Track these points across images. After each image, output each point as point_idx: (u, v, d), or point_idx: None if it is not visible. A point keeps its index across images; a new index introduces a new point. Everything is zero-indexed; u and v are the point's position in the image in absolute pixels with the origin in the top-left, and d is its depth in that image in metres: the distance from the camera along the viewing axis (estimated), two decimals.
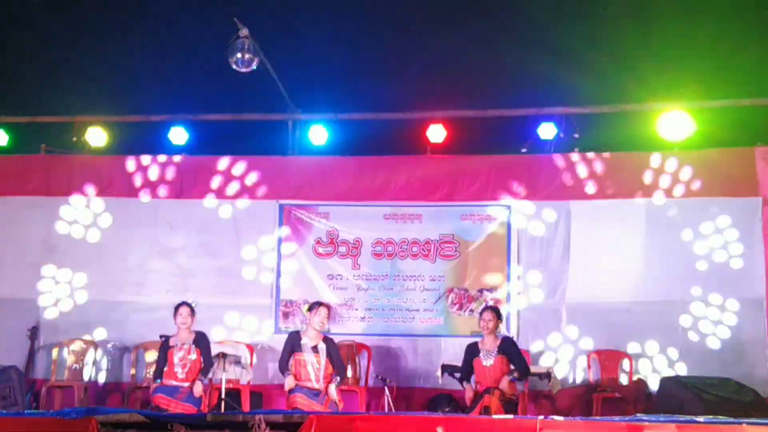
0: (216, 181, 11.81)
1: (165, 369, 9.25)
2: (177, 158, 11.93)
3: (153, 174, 11.89)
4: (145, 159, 11.95)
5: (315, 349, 9.12)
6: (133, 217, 11.80)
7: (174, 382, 9.16)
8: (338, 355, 9.30)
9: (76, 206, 11.81)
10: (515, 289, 11.30)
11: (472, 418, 8.38)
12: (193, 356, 9.30)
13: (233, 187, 11.79)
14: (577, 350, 11.06)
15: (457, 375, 9.78)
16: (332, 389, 9.02)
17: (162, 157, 11.95)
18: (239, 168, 11.82)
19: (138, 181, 11.87)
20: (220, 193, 11.78)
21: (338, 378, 9.15)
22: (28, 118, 12.35)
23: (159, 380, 9.22)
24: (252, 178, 11.81)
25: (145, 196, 11.84)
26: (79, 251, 11.73)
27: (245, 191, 11.78)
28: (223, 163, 11.86)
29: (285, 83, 11.95)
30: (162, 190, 11.84)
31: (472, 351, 9.39)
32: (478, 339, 9.52)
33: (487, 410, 8.77)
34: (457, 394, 10.52)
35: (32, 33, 11.65)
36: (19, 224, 11.79)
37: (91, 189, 11.85)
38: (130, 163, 11.94)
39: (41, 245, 11.76)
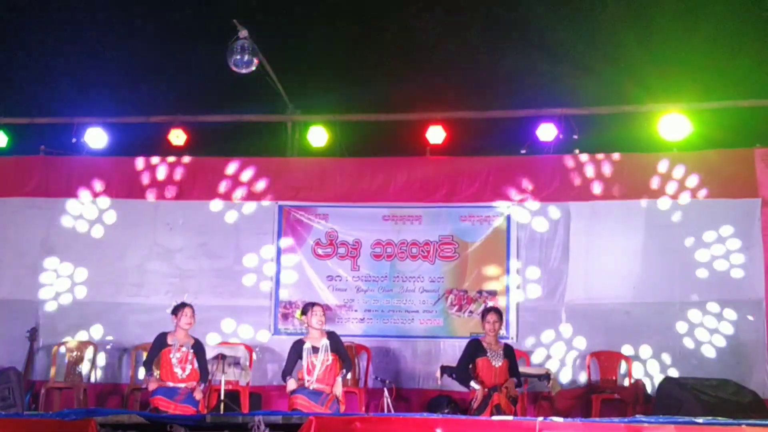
0: (215, 183, 11.80)
1: (158, 371, 9.21)
2: (176, 159, 11.91)
3: (152, 175, 11.88)
4: (145, 160, 11.93)
5: (317, 349, 9.11)
6: (132, 218, 11.79)
7: (171, 384, 9.14)
8: (343, 348, 9.28)
9: (76, 207, 11.80)
10: (514, 290, 11.29)
11: (472, 420, 8.38)
12: (190, 357, 9.28)
13: (232, 189, 11.78)
14: (577, 351, 11.06)
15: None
16: (338, 384, 9.02)
17: (161, 159, 11.94)
18: (238, 169, 11.81)
19: (137, 182, 11.86)
20: (219, 195, 11.77)
21: (344, 371, 9.15)
22: (27, 120, 12.35)
23: (150, 372, 9.18)
24: (251, 180, 11.80)
25: (144, 198, 11.82)
26: (78, 252, 11.72)
27: (244, 192, 11.76)
28: (221, 164, 11.85)
29: (284, 84, 11.98)
30: (161, 192, 11.83)
31: (475, 349, 9.32)
32: (479, 337, 9.49)
33: (498, 408, 8.77)
34: (456, 395, 10.53)
35: (31, 35, 11.65)
36: (18, 225, 11.78)
37: (90, 190, 11.84)
38: (130, 165, 11.93)
39: (40, 246, 11.74)
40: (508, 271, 11.36)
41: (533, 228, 11.40)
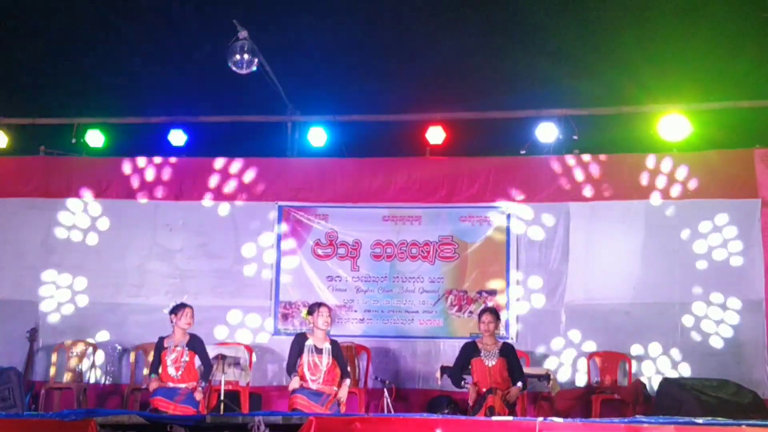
0: (215, 183, 11.82)
1: (159, 371, 9.23)
2: (176, 160, 11.93)
3: (152, 176, 11.89)
4: (144, 161, 11.95)
5: (320, 350, 9.09)
6: (131, 218, 11.80)
7: (171, 384, 9.15)
8: (342, 358, 9.27)
9: (75, 208, 11.81)
10: (514, 290, 11.30)
11: (472, 420, 8.37)
12: (186, 358, 9.27)
13: (232, 189, 11.79)
14: (577, 352, 11.07)
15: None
16: (344, 390, 9.00)
17: (160, 159, 11.96)
18: (238, 170, 11.83)
19: (137, 182, 11.87)
20: (219, 195, 11.78)
21: (348, 380, 9.13)
22: (27, 120, 12.35)
23: (154, 375, 9.19)
24: (251, 180, 11.81)
25: (143, 198, 11.84)
26: (78, 253, 11.73)
27: (244, 193, 11.78)
28: (221, 164, 11.87)
29: (284, 85, 11.97)
30: (161, 192, 11.84)
31: (471, 350, 9.32)
32: (475, 339, 9.49)
33: (491, 410, 8.77)
34: (456, 395, 10.53)
35: (31, 35, 11.65)
36: (18, 226, 11.79)
37: (89, 191, 11.85)
38: (129, 165, 11.94)
39: (40, 247, 11.76)
40: (507, 272, 11.36)
41: (533, 229, 11.41)
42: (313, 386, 8.93)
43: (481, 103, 11.86)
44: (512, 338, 11.04)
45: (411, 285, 11.50)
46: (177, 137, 11.97)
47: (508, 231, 11.45)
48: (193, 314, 9.39)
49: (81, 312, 11.60)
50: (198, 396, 9.07)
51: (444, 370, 10.10)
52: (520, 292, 11.30)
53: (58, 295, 11.63)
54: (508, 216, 11.46)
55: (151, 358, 10.83)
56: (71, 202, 11.83)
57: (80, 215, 11.81)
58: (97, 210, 11.82)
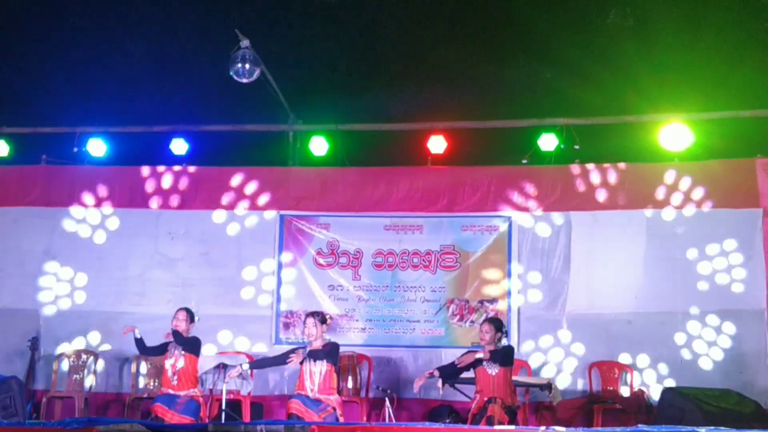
0: (216, 192, 11.83)
1: (161, 377, 9.28)
2: (178, 169, 11.95)
3: (153, 185, 11.90)
4: (146, 170, 11.96)
5: (315, 358, 9.10)
6: (133, 227, 11.81)
7: (171, 391, 9.17)
8: (330, 353, 9.23)
9: (77, 217, 11.81)
10: (516, 299, 11.30)
11: (473, 429, 8.38)
12: (181, 363, 9.30)
13: (234, 198, 11.80)
14: (578, 361, 11.05)
15: (458, 386, 9.75)
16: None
17: (163, 168, 11.97)
18: (240, 179, 11.83)
19: (138, 191, 11.88)
20: (220, 204, 11.79)
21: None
22: (29, 129, 12.38)
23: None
24: (252, 189, 11.82)
25: (145, 207, 11.84)
26: (79, 261, 11.73)
27: (246, 202, 11.79)
28: (223, 174, 11.88)
29: (286, 94, 11.98)
30: (162, 201, 11.85)
31: (476, 359, 9.32)
32: (480, 349, 9.47)
33: (491, 420, 8.75)
34: (457, 405, 10.52)
35: (33, 44, 11.66)
36: (19, 234, 11.80)
37: (91, 200, 11.86)
38: (131, 174, 11.96)
39: (42, 256, 11.76)
40: (509, 282, 11.37)
41: (534, 238, 11.41)
42: (311, 394, 8.96)
43: (483, 112, 11.87)
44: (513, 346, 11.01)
45: (412, 294, 11.49)
46: (179, 146, 11.99)
47: (509, 240, 11.44)
48: (186, 317, 9.43)
49: (82, 320, 11.60)
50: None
51: (445, 374, 10.05)
52: (521, 301, 11.29)
53: (60, 304, 11.64)
54: (510, 225, 11.46)
55: (152, 366, 10.90)
56: (73, 211, 11.84)
57: (81, 224, 11.82)
58: (99, 219, 11.83)
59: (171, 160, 12.04)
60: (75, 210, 11.84)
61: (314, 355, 9.07)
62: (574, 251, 11.28)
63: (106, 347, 11.50)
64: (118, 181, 11.94)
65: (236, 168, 11.91)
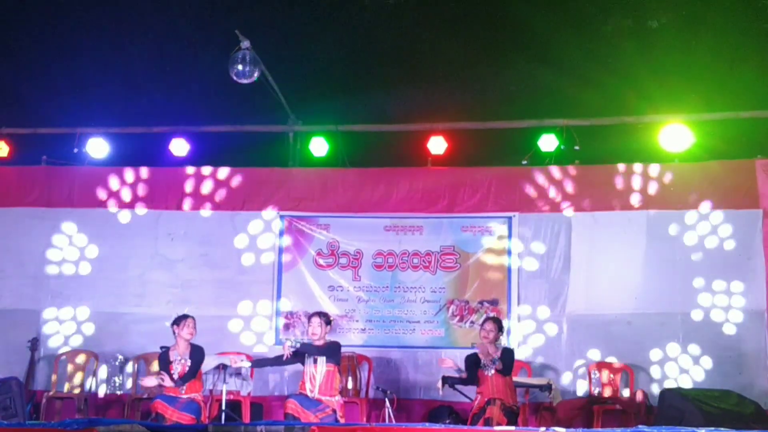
0: (216, 193, 11.81)
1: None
2: (178, 170, 11.92)
3: (153, 185, 11.88)
4: (146, 171, 11.95)
5: (315, 360, 9.16)
6: (133, 228, 11.80)
7: (172, 394, 9.17)
8: (333, 352, 9.29)
9: (77, 217, 11.80)
10: (515, 300, 11.29)
11: (473, 430, 8.40)
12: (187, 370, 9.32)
13: (234, 199, 11.78)
14: (578, 362, 11.04)
15: (458, 387, 9.76)
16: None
17: (163, 169, 11.95)
18: (240, 179, 11.82)
19: (139, 192, 11.87)
20: (220, 205, 11.78)
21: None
22: (29, 130, 12.37)
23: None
24: (253, 190, 11.80)
25: (145, 208, 11.83)
26: (79, 262, 11.72)
27: (246, 202, 11.77)
28: (223, 174, 11.86)
29: (286, 95, 11.98)
30: (162, 202, 11.83)
31: (475, 361, 9.36)
32: (476, 350, 9.48)
33: (489, 422, 8.76)
34: (457, 406, 10.53)
35: (33, 45, 11.67)
36: (19, 235, 11.79)
37: (91, 200, 11.84)
38: (131, 175, 11.94)
39: (42, 256, 11.75)
40: (509, 282, 11.35)
41: (534, 238, 11.40)
42: (311, 395, 8.99)
43: (483, 113, 11.88)
44: (513, 348, 11.00)
45: (412, 295, 11.49)
46: (179, 147, 11.98)
47: (509, 241, 11.44)
48: (195, 324, 9.46)
49: (82, 321, 11.58)
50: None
51: (446, 379, 10.08)
52: (521, 302, 11.28)
53: (60, 305, 11.62)
54: (510, 226, 11.45)
55: (153, 368, 10.88)
56: (72, 212, 11.82)
57: (82, 225, 11.80)
58: (99, 220, 11.80)
59: (171, 160, 12.03)
60: (75, 211, 11.82)
61: (314, 352, 9.11)
62: (574, 252, 11.28)
63: (106, 348, 11.48)
64: (118, 182, 11.92)
65: (236, 169, 11.90)
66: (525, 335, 11.22)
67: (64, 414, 10.96)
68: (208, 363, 9.86)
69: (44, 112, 12.21)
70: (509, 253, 11.41)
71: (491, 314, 10.79)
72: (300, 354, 9.21)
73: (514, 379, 9.65)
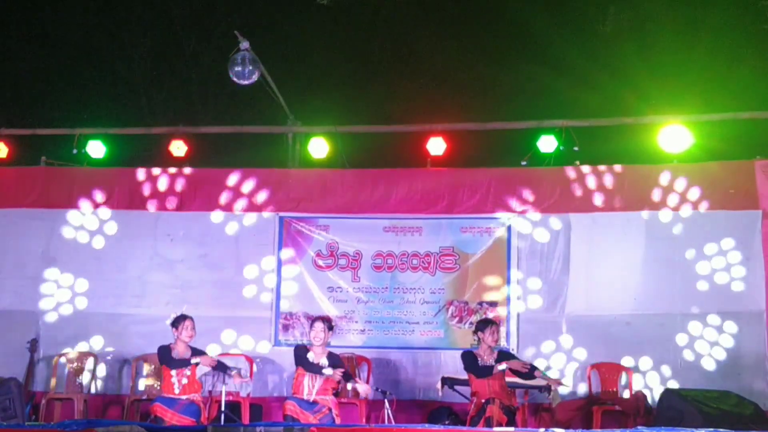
0: (216, 194, 11.78)
1: (160, 382, 9.27)
2: (177, 171, 11.91)
3: (153, 186, 11.86)
4: (145, 171, 11.92)
5: (319, 366, 9.19)
6: (132, 229, 11.77)
7: (171, 396, 9.16)
8: (344, 366, 9.36)
9: (76, 218, 11.79)
10: (515, 301, 11.28)
11: (472, 431, 8.40)
12: (188, 372, 9.30)
13: (233, 200, 11.77)
14: (577, 363, 11.04)
15: (458, 388, 9.77)
16: (361, 387, 9.29)
17: (162, 170, 11.94)
18: (239, 181, 11.80)
19: (138, 193, 11.84)
20: (220, 206, 11.76)
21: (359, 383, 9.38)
22: (28, 131, 12.39)
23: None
24: (252, 191, 11.78)
25: (144, 209, 11.80)
26: (78, 263, 11.70)
27: (245, 203, 11.75)
28: (222, 175, 11.84)
29: (285, 96, 12.00)
30: (162, 203, 11.81)
31: (473, 360, 9.37)
32: (473, 350, 9.49)
33: (489, 421, 8.77)
34: (457, 407, 10.53)
35: (33, 46, 11.69)
36: (18, 236, 11.76)
37: (91, 201, 11.83)
38: (130, 176, 11.91)
39: (41, 257, 11.73)
40: (508, 283, 11.34)
41: (534, 239, 11.39)
42: (309, 398, 9.01)
43: (482, 114, 11.91)
44: (513, 349, 11.01)
45: (412, 296, 11.48)
46: (178, 148, 11.97)
47: (508, 242, 11.43)
48: (194, 326, 9.46)
49: (82, 322, 11.56)
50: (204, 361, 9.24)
51: (445, 381, 10.09)
52: (520, 302, 11.28)
53: (59, 306, 11.61)
54: (509, 227, 11.45)
55: (153, 368, 10.89)
56: (72, 213, 11.80)
57: (81, 226, 11.79)
58: (98, 220, 11.79)
59: (170, 161, 12.02)
60: (74, 212, 11.80)
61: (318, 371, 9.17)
62: (573, 253, 11.27)
63: (105, 349, 11.47)
64: (117, 183, 11.89)
65: (235, 169, 11.88)
66: (524, 336, 11.20)
67: (64, 415, 10.94)
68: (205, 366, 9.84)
69: (43, 113, 12.25)
70: (508, 253, 11.39)
71: (490, 315, 10.81)
72: (303, 359, 9.24)
73: (513, 380, 9.65)
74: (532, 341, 11.18)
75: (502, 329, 10.96)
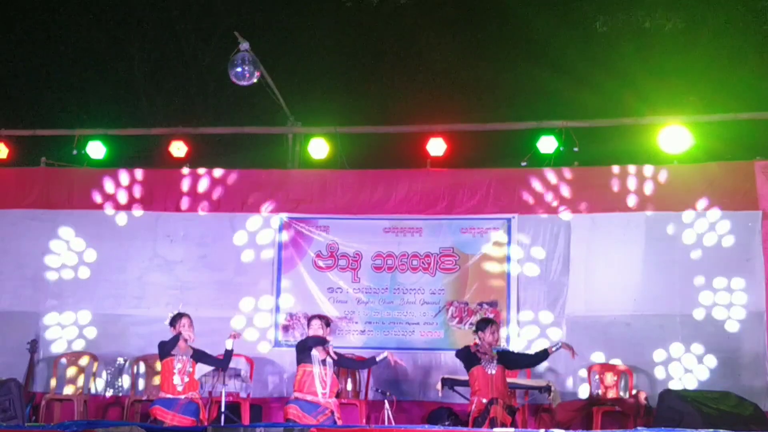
0: (215, 194, 11.78)
1: (159, 381, 9.29)
2: (176, 171, 11.90)
3: (152, 187, 11.86)
4: (145, 172, 11.92)
5: (324, 362, 9.21)
6: (132, 229, 11.76)
7: (171, 396, 9.17)
8: (347, 359, 9.44)
9: (76, 219, 11.79)
10: (515, 302, 11.28)
11: None
12: (190, 369, 9.32)
13: (233, 200, 11.77)
14: (577, 363, 11.02)
15: (458, 388, 9.77)
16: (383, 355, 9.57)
17: (162, 170, 11.94)
18: (239, 181, 11.80)
19: (137, 194, 11.83)
20: (219, 206, 11.76)
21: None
22: (28, 132, 12.37)
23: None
24: (251, 192, 11.78)
25: (144, 209, 11.80)
26: (78, 264, 11.70)
27: (245, 204, 11.75)
28: (222, 176, 11.83)
29: (285, 96, 12.00)
30: (162, 203, 11.81)
31: (471, 356, 9.36)
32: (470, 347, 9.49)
33: (494, 422, 8.77)
34: (457, 407, 10.52)
35: (33, 48, 11.69)
36: (18, 237, 11.76)
37: (90, 202, 11.83)
38: (130, 176, 11.91)
39: (41, 258, 11.73)
40: (508, 284, 11.34)
41: (533, 240, 11.39)
42: (307, 398, 9.03)
43: (482, 114, 11.91)
44: (512, 350, 11.01)
45: (412, 297, 11.48)
46: (178, 148, 11.96)
47: (508, 242, 11.43)
48: (191, 323, 9.49)
49: (81, 323, 11.57)
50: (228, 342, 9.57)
51: (445, 381, 10.08)
52: (520, 304, 11.27)
53: (59, 307, 11.60)
54: (509, 228, 11.44)
55: (152, 369, 10.90)
56: (71, 214, 11.80)
57: (81, 226, 11.79)
58: (98, 221, 11.79)
59: (170, 162, 12.01)
60: (74, 213, 11.81)
61: (324, 362, 9.20)
62: (573, 254, 11.27)
63: (105, 350, 11.47)
64: (117, 184, 11.89)
65: (235, 170, 11.88)
66: (524, 337, 11.20)
67: (64, 416, 10.94)
68: (208, 365, 9.85)
69: (43, 114, 12.24)
70: (508, 254, 11.40)
71: (490, 316, 10.81)
72: (307, 355, 9.27)
73: (513, 380, 9.64)
74: (531, 342, 11.17)
75: (502, 330, 10.96)
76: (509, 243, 11.41)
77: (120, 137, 12.34)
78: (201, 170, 11.92)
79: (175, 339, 9.40)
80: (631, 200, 11.27)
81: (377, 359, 9.57)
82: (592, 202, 11.34)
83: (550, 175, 11.47)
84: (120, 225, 11.78)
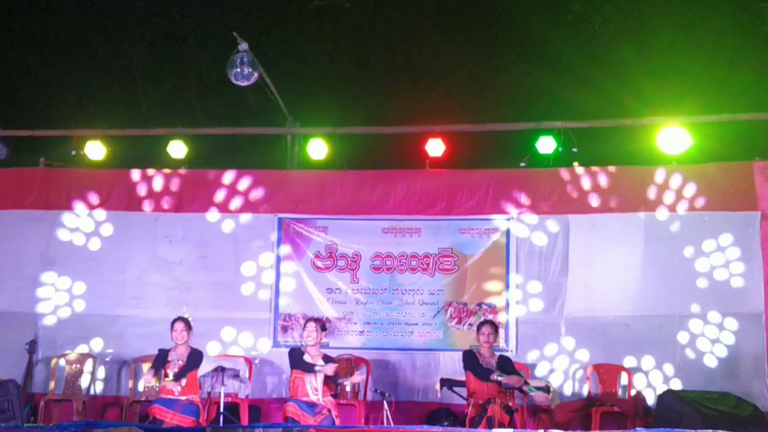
0: (214, 195, 11.78)
1: (160, 382, 9.28)
2: (175, 172, 11.90)
3: (152, 187, 11.85)
4: (144, 173, 11.91)
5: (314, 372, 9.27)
6: (131, 230, 11.76)
7: (170, 397, 9.17)
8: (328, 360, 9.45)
9: (75, 220, 11.78)
10: (514, 302, 11.28)
11: None
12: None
13: (232, 201, 11.76)
14: (577, 364, 11.04)
15: (456, 389, 9.77)
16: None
17: (160, 171, 11.93)
18: (238, 182, 11.79)
19: (136, 194, 11.82)
20: (218, 207, 11.75)
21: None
22: (26, 132, 12.36)
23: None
24: (250, 192, 11.77)
25: (143, 210, 11.79)
26: (77, 264, 11.69)
27: (244, 205, 11.75)
28: (221, 176, 11.82)
29: (284, 97, 11.99)
30: (161, 204, 11.80)
31: (475, 359, 9.38)
32: (473, 349, 9.50)
33: (491, 421, 8.77)
34: (455, 408, 10.52)
35: (32, 48, 11.69)
36: (17, 238, 11.75)
37: (89, 203, 11.82)
38: (129, 177, 11.90)
39: (39, 259, 11.72)
40: (507, 284, 11.34)
41: (532, 241, 11.39)
42: (316, 397, 9.05)
43: (481, 115, 11.90)
44: (512, 350, 11.03)
45: (410, 297, 11.47)
46: (177, 149, 11.95)
47: (507, 243, 11.43)
48: (186, 327, 9.51)
49: (80, 324, 11.55)
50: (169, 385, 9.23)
51: (444, 382, 10.09)
52: (519, 304, 11.28)
53: (58, 307, 11.59)
54: (508, 228, 11.44)
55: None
56: (70, 215, 11.79)
57: (80, 227, 11.78)
58: (97, 222, 11.78)
59: (169, 162, 12.00)
60: (72, 214, 11.79)
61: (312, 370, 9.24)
62: (572, 254, 11.27)
63: (104, 350, 11.46)
64: (115, 184, 11.88)
65: (234, 171, 11.87)
66: (523, 337, 11.20)
67: (62, 416, 10.94)
68: (206, 366, 9.86)
69: (42, 115, 12.23)
70: (507, 255, 11.39)
71: (489, 317, 10.83)
72: (299, 362, 9.31)
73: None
74: (530, 342, 11.19)
75: (501, 331, 10.96)
76: (508, 243, 11.41)
77: (118, 138, 12.32)
78: (199, 171, 11.92)
79: (162, 356, 9.40)
80: (631, 201, 11.27)
81: (315, 369, 9.45)
82: (590, 203, 11.33)
83: (549, 176, 11.47)
84: (119, 225, 11.77)
